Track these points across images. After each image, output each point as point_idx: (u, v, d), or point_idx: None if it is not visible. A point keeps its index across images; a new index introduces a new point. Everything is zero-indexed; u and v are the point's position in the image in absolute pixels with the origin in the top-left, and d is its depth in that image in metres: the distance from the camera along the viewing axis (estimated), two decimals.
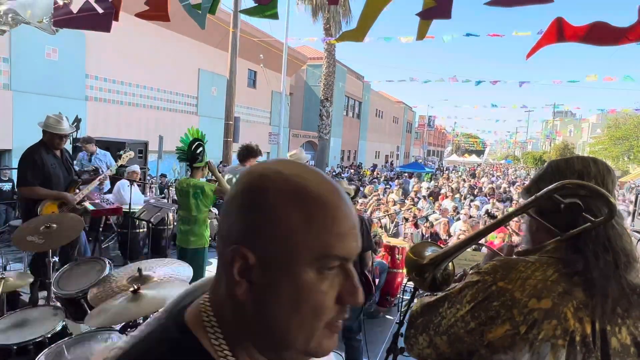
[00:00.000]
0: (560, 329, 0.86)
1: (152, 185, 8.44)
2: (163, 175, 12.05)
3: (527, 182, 4.05)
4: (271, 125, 21.63)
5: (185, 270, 2.48)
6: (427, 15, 3.10)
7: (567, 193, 0.95)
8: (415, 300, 1.19)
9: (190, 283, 4.01)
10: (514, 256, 1.07)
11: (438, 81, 17.68)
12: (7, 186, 9.03)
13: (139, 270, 2.34)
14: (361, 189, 14.23)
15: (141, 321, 2.02)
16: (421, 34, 3.32)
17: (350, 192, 3.47)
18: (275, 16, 3.37)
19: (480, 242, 1.39)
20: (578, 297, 0.89)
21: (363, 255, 3.18)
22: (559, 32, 3.20)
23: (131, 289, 1.92)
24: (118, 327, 2.34)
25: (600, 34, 3.12)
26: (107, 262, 2.76)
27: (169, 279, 2.30)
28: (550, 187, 0.95)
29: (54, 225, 2.73)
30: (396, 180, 17.88)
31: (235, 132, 11.66)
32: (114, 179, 6.10)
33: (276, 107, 19.89)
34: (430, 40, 12.97)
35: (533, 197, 0.99)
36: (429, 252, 1.23)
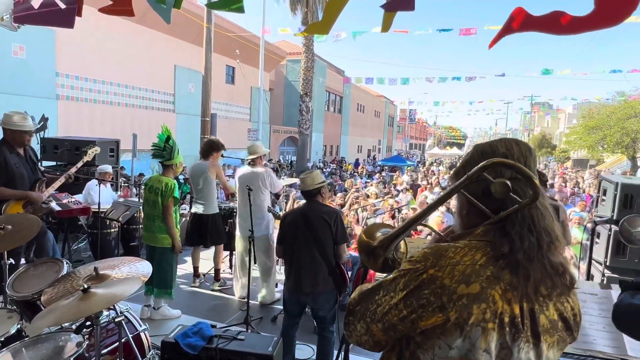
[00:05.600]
0: (489, 312, 0.87)
1: (124, 184, 8.28)
2: (141, 175, 11.87)
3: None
4: (251, 122, 21.46)
5: (144, 267, 2.44)
6: (391, 7, 3.11)
7: (494, 176, 0.96)
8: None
9: (152, 280, 3.95)
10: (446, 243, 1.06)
11: (417, 79, 17.85)
12: None
13: (95, 269, 2.30)
14: (341, 183, 14.27)
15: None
16: (386, 26, 3.33)
17: (320, 181, 3.48)
18: (241, 10, 3.32)
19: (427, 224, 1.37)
20: (505, 279, 0.90)
21: (337, 248, 3.19)
22: (519, 21, 3.25)
23: (81, 288, 1.88)
24: (74, 326, 2.30)
25: (559, 23, 3.18)
26: (64, 263, 2.70)
27: (125, 276, 2.26)
28: (480, 165, 0.96)
29: (9, 227, 2.65)
30: (377, 174, 17.98)
31: (212, 129, 11.50)
32: (85, 180, 5.97)
33: (256, 103, 19.73)
34: (410, 34, 13.05)
35: (465, 176, 1.00)
36: (380, 234, 1.22)
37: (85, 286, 1.90)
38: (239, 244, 4.76)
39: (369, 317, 0.99)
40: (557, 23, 3.19)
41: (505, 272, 0.90)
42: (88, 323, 2.27)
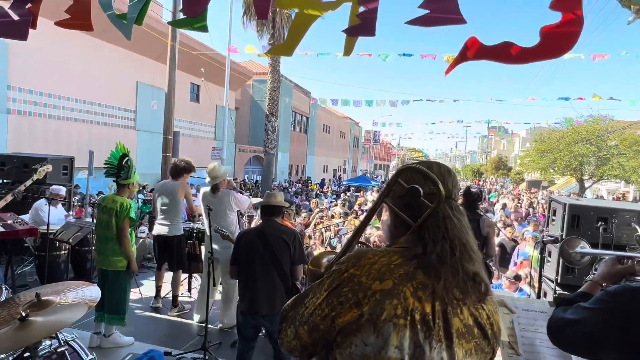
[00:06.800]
0: (400, 308, 0.91)
1: (77, 204, 7.89)
2: (100, 193, 11.37)
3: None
4: (216, 140, 21.20)
5: (92, 292, 2.30)
6: (352, 32, 3.21)
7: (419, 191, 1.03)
8: None
9: (103, 306, 3.74)
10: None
11: (380, 102, 18.36)
12: None
13: (37, 295, 2.14)
14: (306, 203, 14.26)
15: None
16: (348, 50, 3.43)
17: (285, 204, 3.46)
18: (204, 29, 3.32)
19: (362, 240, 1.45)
20: (418, 279, 0.94)
21: (294, 268, 3.16)
22: (473, 50, 3.45)
23: (18, 316, 1.74)
24: (11, 358, 2.12)
25: (509, 52, 3.40)
26: (3, 288, 2.51)
27: (70, 302, 2.12)
28: (395, 172, 1.07)
29: None
30: (342, 194, 18.11)
31: (175, 147, 11.23)
32: (34, 199, 5.64)
33: (221, 121, 19.55)
34: (373, 58, 13.48)
35: (385, 185, 1.10)
36: (326, 260, 1.28)
37: (23, 314, 1.77)
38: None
39: (297, 320, 1.02)
40: (507, 53, 3.42)
41: (418, 272, 0.95)
42: (27, 354, 2.10)
